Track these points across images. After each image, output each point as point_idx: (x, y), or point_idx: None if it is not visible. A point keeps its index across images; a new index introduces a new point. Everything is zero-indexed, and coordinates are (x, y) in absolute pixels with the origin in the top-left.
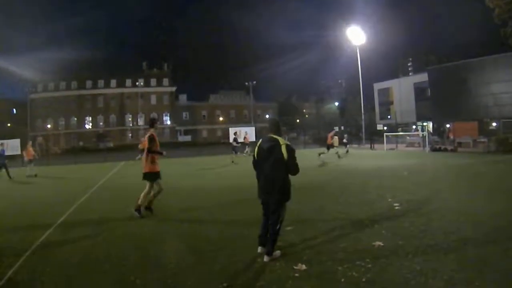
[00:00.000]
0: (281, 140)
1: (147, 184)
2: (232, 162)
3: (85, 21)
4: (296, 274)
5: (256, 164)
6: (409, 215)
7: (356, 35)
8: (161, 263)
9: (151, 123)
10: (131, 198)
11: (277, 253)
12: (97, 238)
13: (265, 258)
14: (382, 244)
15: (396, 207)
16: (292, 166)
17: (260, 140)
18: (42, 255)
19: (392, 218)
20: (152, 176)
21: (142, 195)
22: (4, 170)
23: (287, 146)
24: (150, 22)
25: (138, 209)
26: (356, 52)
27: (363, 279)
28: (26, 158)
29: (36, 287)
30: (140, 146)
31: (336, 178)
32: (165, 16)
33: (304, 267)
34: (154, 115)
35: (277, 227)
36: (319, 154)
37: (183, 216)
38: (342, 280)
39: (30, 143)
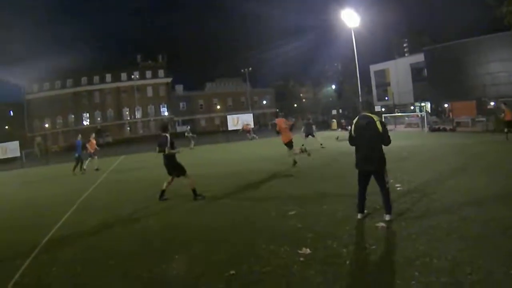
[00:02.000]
0: (375, 117)
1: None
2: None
3: (76, 17)
4: (301, 259)
5: (354, 139)
6: (411, 195)
7: (350, 18)
8: (167, 254)
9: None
10: (133, 190)
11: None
12: (102, 232)
13: (387, 217)
14: (385, 226)
15: (398, 188)
16: (386, 139)
17: (357, 118)
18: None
19: (394, 199)
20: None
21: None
22: (79, 163)
23: (381, 122)
24: (143, 14)
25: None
26: (351, 35)
27: (368, 261)
28: (90, 151)
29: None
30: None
31: (336, 161)
32: (157, 6)
33: (308, 251)
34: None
35: (387, 188)
36: None
37: (189, 204)
38: (347, 262)
39: (93, 135)
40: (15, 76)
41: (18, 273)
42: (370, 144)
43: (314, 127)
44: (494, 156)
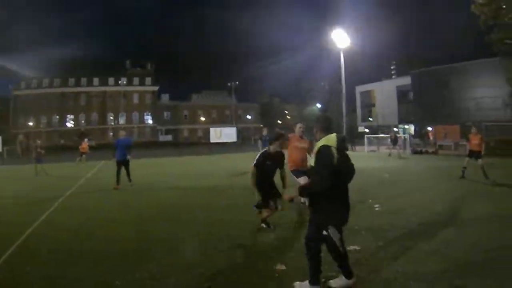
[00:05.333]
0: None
1: None
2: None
3: (69, 18)
4: (277, 275)
5: (334, 174)
6: (389, 217)
7: (340, 38)
8: (142, 264)
9: None
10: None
11: None
12: (72, 236)
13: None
14: (362, 246)
15: (377, 209)
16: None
17: (337, 140)
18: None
19: (372, 220)
20: None
21: None
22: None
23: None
24: (135, 20)
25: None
26: (340, 55)
27: None
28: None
29: None
30: None
31: None
32: (149, 14)
33: (284, 267)
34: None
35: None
36: None
37: (165, 216)
38: (323, 280)
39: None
40: (3, 70)
41: None
42: (347, 186)
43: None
44: (474, 180)
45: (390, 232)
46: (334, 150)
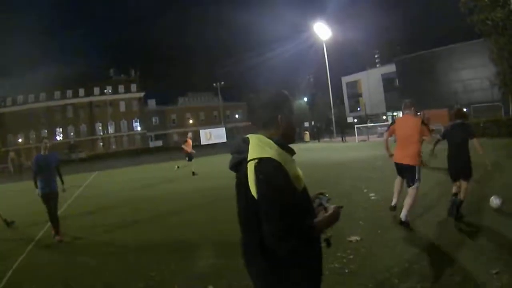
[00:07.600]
0: (255, 149)
1: None
2: None
3: (50, 30)
4: None
5: None
6: (385, 205)
7: (322, 31)
8: (143, 270)
9: None
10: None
11: None
12: (78, 250)
13: None
14: (362, 236)
15: (372, 198)
16: (267, 216)
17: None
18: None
19: (369, 208)
20: None
21: None
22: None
23: (258, 167)
24: (116, 27)
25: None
26: (323, 48)
27: (346, 270)
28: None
29: None
30: None
31: (310, 172)
32: (129, 20)
33: None
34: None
35: None
36: None
37: (164, 219)
38: (326, 272)
39: (189, 134)
40: None
41: None
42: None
43: None
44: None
45: (387, 220)
46: None
